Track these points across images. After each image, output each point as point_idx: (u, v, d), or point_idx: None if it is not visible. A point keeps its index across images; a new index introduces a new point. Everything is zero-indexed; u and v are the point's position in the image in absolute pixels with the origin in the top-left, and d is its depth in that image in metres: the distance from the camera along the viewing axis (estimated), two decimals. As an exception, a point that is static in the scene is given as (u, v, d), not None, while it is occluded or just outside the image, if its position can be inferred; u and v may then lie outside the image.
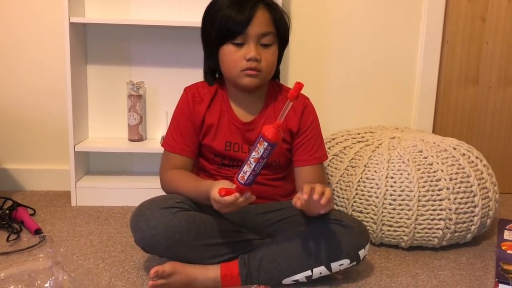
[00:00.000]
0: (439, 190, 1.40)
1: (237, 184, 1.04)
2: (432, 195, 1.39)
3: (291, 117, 1.28)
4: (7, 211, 1.55)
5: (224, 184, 1.07)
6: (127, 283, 1.18)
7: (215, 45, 1.22)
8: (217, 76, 1.32)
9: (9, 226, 1.46)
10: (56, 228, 1.51)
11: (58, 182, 1.88)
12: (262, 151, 1.01)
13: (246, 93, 1.26)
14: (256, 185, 1.24)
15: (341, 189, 1.48)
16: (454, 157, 1.46)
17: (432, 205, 1.39)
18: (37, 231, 1.43)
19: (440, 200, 1.39)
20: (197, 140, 1.28)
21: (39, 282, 1.04)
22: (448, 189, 1.39)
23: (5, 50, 1.83)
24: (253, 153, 1.02)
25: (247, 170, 1.03)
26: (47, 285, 1.04)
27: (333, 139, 1.63)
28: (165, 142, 1.30)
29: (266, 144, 1.01)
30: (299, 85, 0.98)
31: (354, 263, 1.16)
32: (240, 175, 1.04)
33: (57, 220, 1.59)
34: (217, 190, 1.04)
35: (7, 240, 1.39)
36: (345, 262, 1.15)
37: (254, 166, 1.02)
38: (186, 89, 1.31)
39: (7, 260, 1.27)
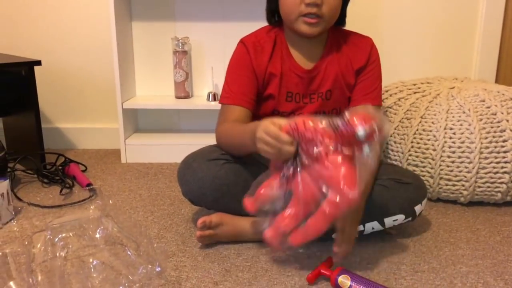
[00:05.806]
0: (504, 141, 1.29)
1: None
2: (495, 147, 1.29)
3: (358, 56, 1.19)
4: (60, 167, 1.58)
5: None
6: (175, 234, 1.18)
7: None
8: (276, 19, 1.22)
9: (62, 181, 1.49)
10: (106, 183, 1.53)
11: (108, 140, 1.91)
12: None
13: (305, 39, 1.17)
14: None
15: (395, 142, 1.41)
16: (521, 106, 1.34)
17: (496, 158, 1.29)
18: (88, 186, 1.46)
19: (505, 152, 1.29)
20: (255, 90, 1.19)
21: (90, 232, 1.06)
22: (513, 140, 1.29)
23: (49, 11, 1.84)
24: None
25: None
26: (97, 234, 1.05)
27: (387, 91, 1.54)
28: (221, 96, 1.21)
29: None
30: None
31: (410, 219, 1.10)
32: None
33: (108, 176, 1.61)
34: (271, 121, 0.91)
35: (60, 193, 1.42)
36: (400, 218, 1.09)
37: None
38: (243, 40, 1.21)
39: (60, 213, 1.30)
